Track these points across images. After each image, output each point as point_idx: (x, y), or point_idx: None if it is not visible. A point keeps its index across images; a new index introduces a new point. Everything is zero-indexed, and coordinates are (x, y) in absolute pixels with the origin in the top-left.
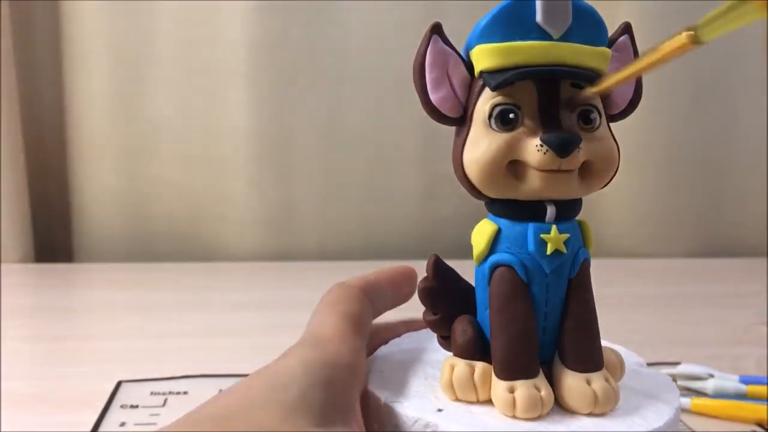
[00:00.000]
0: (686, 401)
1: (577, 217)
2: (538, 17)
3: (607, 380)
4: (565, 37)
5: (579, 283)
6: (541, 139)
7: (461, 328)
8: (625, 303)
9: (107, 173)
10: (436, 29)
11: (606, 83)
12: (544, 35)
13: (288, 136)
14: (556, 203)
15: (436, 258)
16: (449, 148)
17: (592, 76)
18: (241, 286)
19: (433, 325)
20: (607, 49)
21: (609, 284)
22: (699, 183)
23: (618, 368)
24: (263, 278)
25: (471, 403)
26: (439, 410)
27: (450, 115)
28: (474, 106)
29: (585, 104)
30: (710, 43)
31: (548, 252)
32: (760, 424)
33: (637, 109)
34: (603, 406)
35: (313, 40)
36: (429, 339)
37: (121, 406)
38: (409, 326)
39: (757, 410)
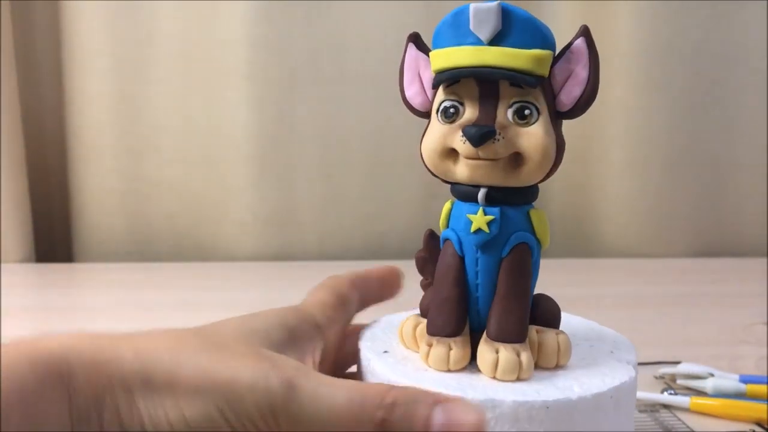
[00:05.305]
0: (685, 400)
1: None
2: (470, 25)
3: (518, 353)
4: (496, 42)
5: (509, 263)
6: (462, 131)
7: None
8: (625, 303)
9: (107, 173)
10: (412, 38)
11: None
12: (479, 40)
13: (288, 137)
14: (489, 188)
15: (430, 232)
16: None
17: (515, 76)
18: (241, 286)
19: (425, 289)
20: (541, 52)
21: (609, 284)
22: (699, 183)
23: (557, 351)
24: (263, 278)
25: (416, 351)
26: (385, 351)
27: (421, 110)
28: (433, 102)
29: (520, 100)
30: (711, 43)
31: (472, 230)
32: (759, 424)
33: (637, 109)
34: (504, 374)
35: (313, 40)
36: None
37: None
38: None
39: (757, 409)
